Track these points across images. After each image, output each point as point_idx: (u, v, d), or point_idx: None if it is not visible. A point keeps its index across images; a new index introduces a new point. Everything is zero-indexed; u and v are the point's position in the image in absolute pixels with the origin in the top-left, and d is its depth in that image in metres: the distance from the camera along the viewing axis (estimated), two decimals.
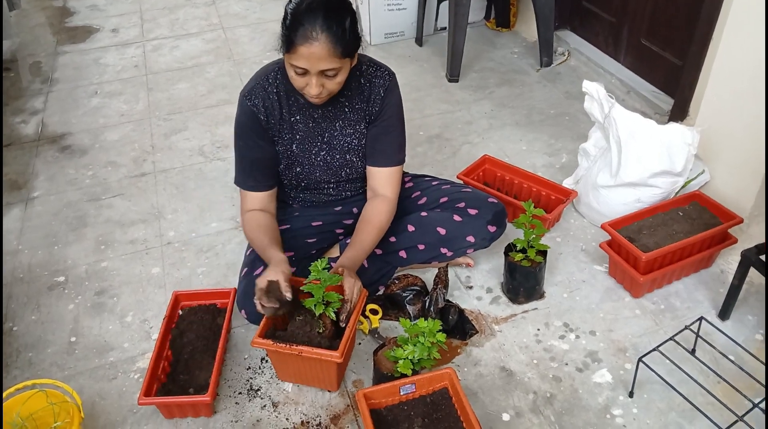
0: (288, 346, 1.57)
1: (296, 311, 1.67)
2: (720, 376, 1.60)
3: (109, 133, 2.86)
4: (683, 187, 2.12)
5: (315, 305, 1.60)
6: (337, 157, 1.83)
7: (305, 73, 1.56)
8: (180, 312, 1.88)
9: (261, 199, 1.81)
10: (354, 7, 1.61)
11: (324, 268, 1.60)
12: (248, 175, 1.79)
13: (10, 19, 3.47)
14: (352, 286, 1.64)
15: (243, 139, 1.77)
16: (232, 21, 3.91)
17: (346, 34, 1.53)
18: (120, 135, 2.85)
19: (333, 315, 1.62)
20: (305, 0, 1.53)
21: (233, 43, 3.64)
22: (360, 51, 1.67)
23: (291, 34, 1.51)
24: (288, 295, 1.56)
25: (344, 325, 1.62)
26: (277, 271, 1.59)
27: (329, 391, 1.71)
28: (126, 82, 3.28)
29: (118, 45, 3.66)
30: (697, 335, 1.70)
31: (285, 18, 1.55)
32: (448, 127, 2.81)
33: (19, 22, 3.92)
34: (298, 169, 1.84)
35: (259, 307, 1.58)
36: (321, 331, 1.62)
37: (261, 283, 1.58)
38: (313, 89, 1.58)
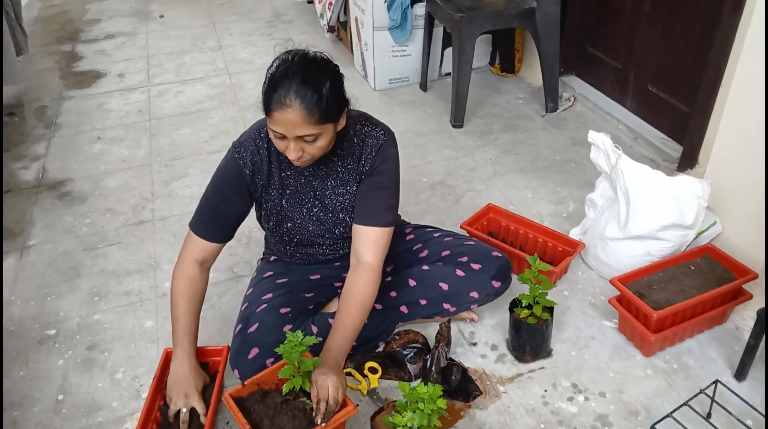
0: None
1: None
2: None
3: (109, 180, 2.84)
4: (694, 238, 2.05)
5: (294, 386, 1.49)
6: (330, 215, 1.78)
7: (284, 137, 1.52)
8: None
9: (204, 249, 1.73)
10: (338, 69, 1.57)
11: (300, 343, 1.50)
12: (201, 221, 1.73)
13: (17, 64, 3.49)
14: (324, 386, 1.48)
15: (215, 185, 1.74)
16: (238, 66, 3.92)
17: (322, 100, 1.48)
18: (120, 182, 2.82)
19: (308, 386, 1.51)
20: (283, 64, 1.51)
21: (238, 88, 3.64)
22: (357, 107, 1.64)
23: (267, 98, 1.49)
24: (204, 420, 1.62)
25: (323, 423, 1.47)
26: (191, 393, 1.65)
27: None
28: (129, 127, 3.27)
29: (123, 90, 3.67)
30: (713, 400, 1.61)
31: (264, 82, 1.53)
32: (452, 174, 2.76)
33: (26, 67, 3.95)
34: (289, 225, 1.78)
35: None
36: (311, 407, 1.51)
37: (183, 415, 1.62)
38: (292, 154, 1.54)
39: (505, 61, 3.57)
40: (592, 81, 3.25)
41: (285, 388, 1.50)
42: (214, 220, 1.73)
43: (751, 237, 2.02)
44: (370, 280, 1.68)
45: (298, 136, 1.51)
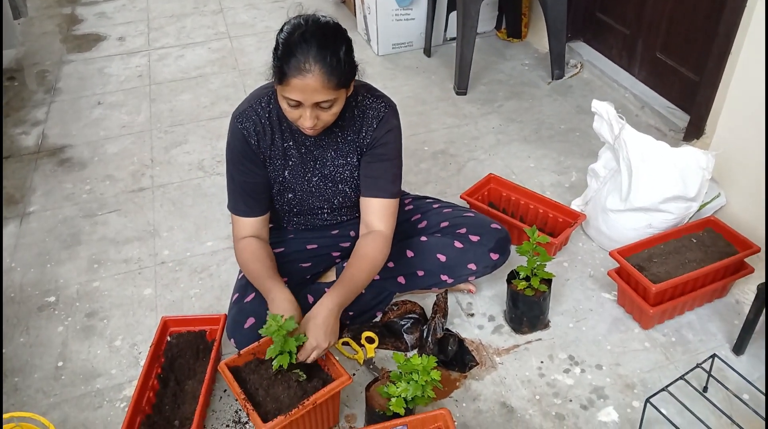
0: (297, 408, 1.44)
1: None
2: (732, 420, 1.51)
3: (109, 146, 2.82)
4: (697, 210, 2.02)
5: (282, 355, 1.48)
6: (330, 184, 1.76)
7: (299, 105, 1.49)
8: (169, 338, 1.81)
9: (253, 225, 1.74)
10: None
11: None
12: (239, 200, 1.72)
13: (17, 27, 3.44)
14: (308, 347, 1.50)
15: (234, 162, 1.70)
16: (239, 30, 3.86)
17: (341, 64, 1.45)
18: (120, 148, 2.80)
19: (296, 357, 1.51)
20: (297, 29, 1.45)
21: (239, 52, 3.58)
22: (357, 78, 1.60)
23: (283, 65, 1.44)
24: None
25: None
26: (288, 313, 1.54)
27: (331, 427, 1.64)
28: (129, 92, 3.24)
29: (124, 54, 3.62)
30: (709, 374, 1.60)
31: (276, 48, 1.47)
32: (454, 143, 2.73)
33: (26, 30, 3.90)
34: (290, 196, 1.77)
35: None
36: (304, 378, 1.53)
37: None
38: (307, 121, 1.51)
39: (512, 26, 3.49)
40: (600, 47, 3.18)
41: (274, 366, 1.48)
42: (251, 195, 1.72)
43: (755, 210, 1.99)
44: (382, 245, 1.68)
45: (316, 102, 1.47)
